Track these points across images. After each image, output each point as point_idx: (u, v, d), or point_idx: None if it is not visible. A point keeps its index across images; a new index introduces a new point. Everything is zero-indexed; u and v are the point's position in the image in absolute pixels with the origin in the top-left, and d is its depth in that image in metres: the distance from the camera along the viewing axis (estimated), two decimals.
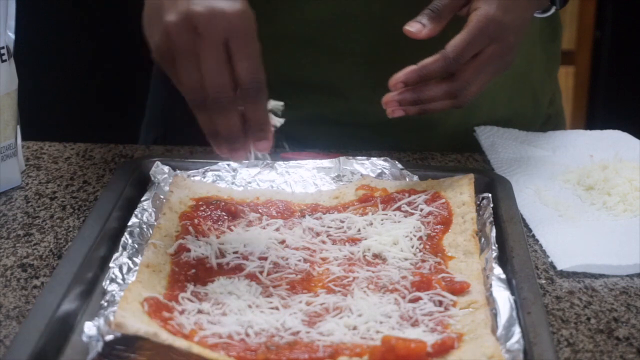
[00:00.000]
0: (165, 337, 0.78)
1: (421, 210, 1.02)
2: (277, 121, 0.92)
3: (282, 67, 1.20)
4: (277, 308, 0.85)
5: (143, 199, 1.02)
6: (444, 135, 1.27)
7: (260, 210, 1.01)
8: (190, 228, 0.96)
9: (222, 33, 0.83)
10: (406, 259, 0.93)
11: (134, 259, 0.91)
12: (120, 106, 1.87)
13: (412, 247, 0.95)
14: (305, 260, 0.93)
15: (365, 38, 1.18)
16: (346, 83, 1.22)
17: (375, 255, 0.94)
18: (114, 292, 0.85)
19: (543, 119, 1.34)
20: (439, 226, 1.00)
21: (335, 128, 1.25)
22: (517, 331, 0.80)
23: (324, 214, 1.02)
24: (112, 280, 0.87)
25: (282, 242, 0.95)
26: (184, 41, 0.84)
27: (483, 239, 0.97)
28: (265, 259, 0.93)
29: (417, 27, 1.01)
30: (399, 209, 1.02)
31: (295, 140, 1.19)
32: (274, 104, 0.92)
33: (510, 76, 1.22)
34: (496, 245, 0.94)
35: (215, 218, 0.99)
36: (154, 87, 1.39)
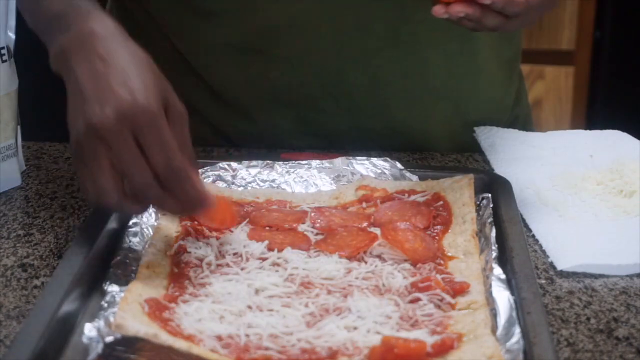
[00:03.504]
0: (165, 338, 0.78)
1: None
2: None
3: (256, 82, 1.21)
4: (277, 309, 0.85)
5: None
6: (441, 135, 1.27)
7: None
8: (190, 229, 0.96)
9: (127, 133, 0.84)
10: (405, 260, 0.93)
11: (134, 259, 0.91)
12: None
13: None
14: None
15: (321, 45, 1.18)
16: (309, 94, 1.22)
17: (375, 256, 0.94)
18: (114, 293, 0.85)
19: (509, 121, 1.33)
20: (438, 226, 1.00)
21: (322, 136, 1.25)
22: (517, 331, 0.80)
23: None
24: (112, 281, 0.87)
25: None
26: (90, 147, 0.85)
27: (483, 239, 0.97)
28: (266, 259, 0.93)
29: None
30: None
31: (294, 148, 1.20)
32: None
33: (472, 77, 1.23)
34: (496, 246, 0.94)
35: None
36: None
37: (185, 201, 0.87)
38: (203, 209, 0.89)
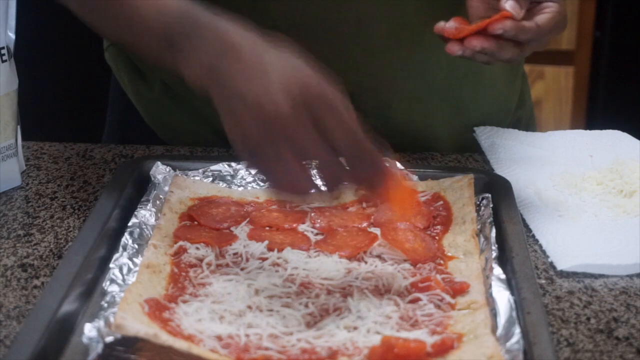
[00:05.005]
0: (165, 339, 0.78)
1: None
2: None
3: None
4: (277, 309, 0.85)
5: (143, 199, 1.02)
6: (443, 135, 1.27)
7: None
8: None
9: (305, 119, 0.83)
10: (405, 260, 0.93)
11: (134, 259, 0.91)
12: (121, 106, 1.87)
13: None
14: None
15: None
16: None
17: (375, 256, 0.94)
18: (114, 293, 0.85)
19: (512, 122, 1.33)
20: (438, 226, 1.00)
21: None
22: (516, 331, 0.80)
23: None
24: (112, 281, 0.87)
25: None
26: (270, 145, 0.83)
27: (483, 239, 0.97)
28: (266, 259, 0.93)
29: (516, 7, 1.00)
30: None
31: None
32: None
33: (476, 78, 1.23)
34: (496, 246, 0.94)
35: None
36: (112, 102, 1.39)
37: (374, 174, 0.86)
38: (390, 181, 0.87)
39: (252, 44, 0.87)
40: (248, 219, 1.00)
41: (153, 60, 0.94)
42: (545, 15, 1.01)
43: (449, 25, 1.01)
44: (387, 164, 0.88)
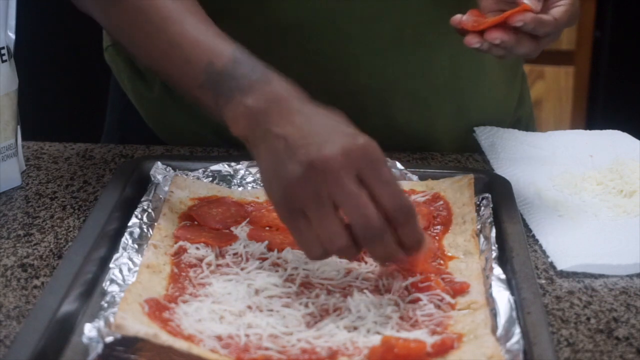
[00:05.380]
0: (165, 339, 0.78)
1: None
2: None
3: None
4: (276, 309, 0.85)
5: (143, 199, 1.02)
6: (444, 135, 1.27)
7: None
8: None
9: (352, 170, 0.82)
10: None
11: (134, 259, 0.91)
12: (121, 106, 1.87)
13: None
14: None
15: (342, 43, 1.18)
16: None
17: None
18: (114, 293, 0.85)
19: (512, 122, 1.33)
20: (438, 226, 1.00)
21: None
22: (517, 331, 0.80)
23: None
24: (112, 281, 0.87)
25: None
26: (311, 190, 0.82)
27: (483, 239, 0.97)
28: (266, 259, 0.93)
29: (535, 3, 0.99)
30: None
31: None
32: None
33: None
34: (496, 246, 0.94)
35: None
36: (112, 102, 1.39)
37: (407, 242, 0.85)
38: (423, 251, 0.87)
39: (299, 97, 0.88)
40: (248, 219, 1.00)
41: (190, 95, 0.94)
42: (561, 8, 1.01)
43: (466, 18, 1.01)
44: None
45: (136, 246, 0.93)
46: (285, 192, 0.84)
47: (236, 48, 0.92)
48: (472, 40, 0.99)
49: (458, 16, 1.01)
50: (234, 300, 0.86)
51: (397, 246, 0.84)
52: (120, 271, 0.89)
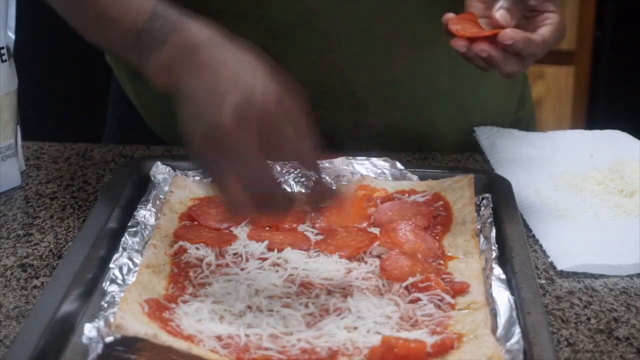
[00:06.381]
0: (165, 339, 0.78)
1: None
2: None
3: None
4: (276, 309, 0.85)
5: (143, 199, 1.02)
6: (444, 135, 1.27)
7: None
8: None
9: (248, 132, 0.82)
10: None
11: (134, 259, 0.91)
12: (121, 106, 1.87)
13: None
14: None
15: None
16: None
17: (375, 256, 0.94)
18: (114, 293, 0.85)
19: (512, 122, 1.33)
20: (438, 226, 1.00)
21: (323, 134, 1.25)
22: (517, 331, 0.80)
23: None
24: (112, 281, 0.87)
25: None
26: (213, 159, 0.83)
27: (483, 239, 0.97)
28: (266, 259, 0.93)
29: (506, 17, 0.99)
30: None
31: None
32: None
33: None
34: (496, 246, 0.94)
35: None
36: (112, 102, 1.39)
37: (325, 189, 0.86)
38: (337, 197, 0.88)
39: (213, 44, 0.87)
40: (248, 219, 1.00)
41: (121, 57, 0.94)
42: (548, 27, 1.01)
43: (453, 26, 1.00)
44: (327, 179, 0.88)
45: (136, 246, 0.93)
46: (194, 152, 0.84)
47: (157, 3, 0.91)
48: (459, 43, 0.99)
49: (450, 15, 1.01)
50: (234, 300, 0.86)
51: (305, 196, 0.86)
52: (120, 271, 0.89)
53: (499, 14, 0.98)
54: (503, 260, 0.92)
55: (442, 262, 0.94)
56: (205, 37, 0.87)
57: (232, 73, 0.84)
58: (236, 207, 0.84)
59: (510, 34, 0.96)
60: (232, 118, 0.81)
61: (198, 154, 0.84)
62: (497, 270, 0.89)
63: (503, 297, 0.85)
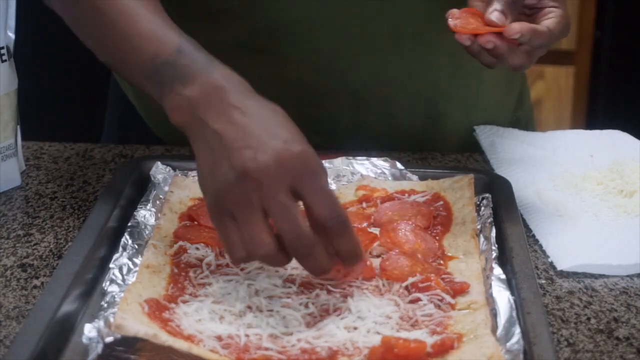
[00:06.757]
0: (165, 339, 0.78)
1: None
2: None
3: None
4: (276, 309, 0.85)
5: (143, 199, 1.02)
6: (444, 135, 1.27)
7: None
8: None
9: (286, 180, 0.81)
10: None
11: (134, 259, 0.91)
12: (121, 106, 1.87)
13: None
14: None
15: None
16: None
17: (375, 256, 0.94)
18: (114, 293, 0.85)
19: (511, 122, 1.33)
20: (438, 226, 1.00)
21: (323, 134, 1.25)
22: (517, 331, 0.80)
23: None
24: (112, 281, 0.87)
25: None
26: (242, 196, 0.81)
27: (483, 239, 0.97)
28: None
29: (500, 17, 0.98)
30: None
31: None
32: None
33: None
34: (496, 246, 0.94)
35: None
36: (112, 102, 1.39)
37: (343, 252, 0.84)
38: (359, 263, 0.86)
39: (240, 89, 0.86)
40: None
41: (132, 83, 0.93)
42: (552, 19, 1.01)
43: (452, 21, 0.99)
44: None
45: (136, 246, 0.93)
46: (216, 194, 0.83)
47: (183, 39, 0.91)
48: (463, 37, 0.98)
49: (454, 10, 1.00)
50: (234, 300, 0.86)
51: (330, 259, 0.84)
52: (120, 271, 0.89)
53: (494, 15, 0.98)
54: (503, 260, 0.92)
55: (442, 262, 0.94)
56: (234, 83, 0.87)
57: (264, 119, 0.84)
58: (256, 247, 0.82)
59: (516, 28, 0.96)
60: (274, 166, 0.80)
61: (222, 192, 0.82)
62: (497, 270, 0.89)
63: (503, 297, 0.85)
